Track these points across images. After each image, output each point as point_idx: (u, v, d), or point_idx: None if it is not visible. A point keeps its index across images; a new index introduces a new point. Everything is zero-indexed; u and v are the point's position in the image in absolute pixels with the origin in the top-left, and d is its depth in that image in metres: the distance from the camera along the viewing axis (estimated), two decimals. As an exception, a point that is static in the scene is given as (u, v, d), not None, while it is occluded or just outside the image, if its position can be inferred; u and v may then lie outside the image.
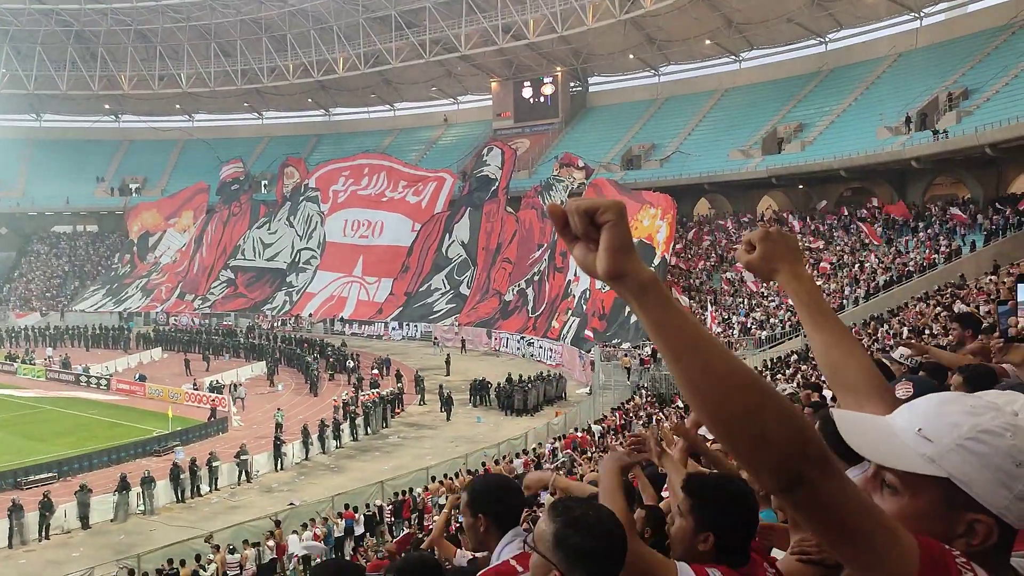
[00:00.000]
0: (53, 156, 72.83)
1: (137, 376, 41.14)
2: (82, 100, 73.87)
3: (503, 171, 57.44)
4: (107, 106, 76.66)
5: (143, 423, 33.11)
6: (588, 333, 41.76)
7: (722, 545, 2.37)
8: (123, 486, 23.44)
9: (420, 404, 36.83)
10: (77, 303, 66.06)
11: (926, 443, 1.34)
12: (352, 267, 60.36)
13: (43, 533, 21.98)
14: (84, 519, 22.74)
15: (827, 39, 55.28)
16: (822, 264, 38.60)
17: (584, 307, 43.86)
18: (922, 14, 49.80)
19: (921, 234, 36.82)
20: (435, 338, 51.27)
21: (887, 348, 22.47)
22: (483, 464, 24.79)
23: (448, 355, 44.32)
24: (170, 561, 17.79)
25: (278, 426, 30.25)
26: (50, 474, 26.15)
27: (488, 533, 2.75)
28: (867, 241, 38.66)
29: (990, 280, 28.13)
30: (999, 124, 33.12)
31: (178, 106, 76.99)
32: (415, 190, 60.90)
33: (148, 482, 24.01)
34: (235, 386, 37.61)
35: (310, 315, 58.69)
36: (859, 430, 1.40)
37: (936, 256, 33.98)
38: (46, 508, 21.95)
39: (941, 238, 35.63)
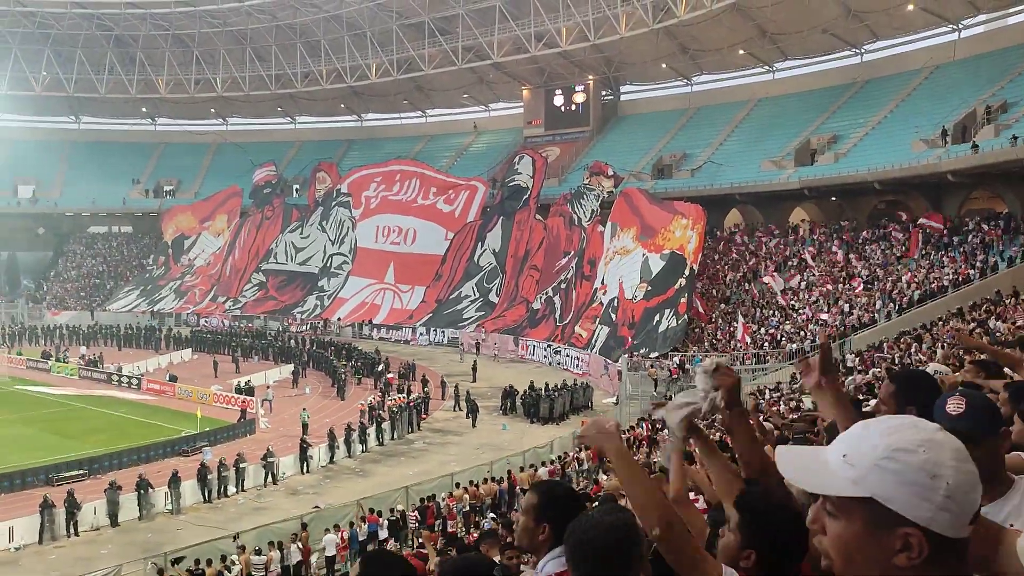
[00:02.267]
0: (90, 158, 74.04)
1: (168, 376, 41.63)
2: (120, 103, 75.16)
3: (535, 180, 57.47)
4: (144, 109, 77.92)
5: (173, 423, 33.51)
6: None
7: (764, 564, 2.36)
8: (142, 485, 23.67)
9: (456, 409, 36.56)
10: (111, 303, 67.04)
11: (849, 467, 1.45)
12: (383, 274, 60.64)
13: (72, 530, 22.28)
14: (113, 516, 23.03)
15: (862, 50, 54.71)
16: (855, 280, 38.16)
17: (613, 317, 43.69)
18: (960, 26, 49.11)
19: (962, 247, 36.23)
20: (461, 344, 51.29)
21: (917, 364, 22.11)
22: (508, 472, 24.78)
23: (475, 361, 44.36)
24: (197, 561, 17.95)
25: (304, 426, 30.80)
26: (81, 471, 26.53)
27: (545, 543, 2.73)
28: (900, 255, 38.10)
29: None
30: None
31: (212, 110, 78.00)
32: (446, 198, 61.04)
33: (175, 481, 24.25)
34: (251, 388, 37.90)
35: (339, 319, 59.04)
36: (794, 463, 1.55)
37: (971, 271, 33.44)
38: (72, 506, 22.25)
39: (977, 253, 35.06)
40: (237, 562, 18.48)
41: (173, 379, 40.69)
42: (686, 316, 40.19)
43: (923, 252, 37.66)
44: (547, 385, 36.45)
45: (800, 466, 1.54)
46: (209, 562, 17.92)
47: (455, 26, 63.79)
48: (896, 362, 26.24)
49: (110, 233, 76.53)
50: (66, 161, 74.32)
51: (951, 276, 33.79)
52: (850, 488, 1.44)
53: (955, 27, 49.22)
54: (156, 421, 34.33)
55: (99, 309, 65.77)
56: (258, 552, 18.87)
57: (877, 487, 1.42)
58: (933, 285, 33.72)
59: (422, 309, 57.79)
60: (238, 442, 30.90)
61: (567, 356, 45.27)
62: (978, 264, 33.76)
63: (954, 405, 2.72)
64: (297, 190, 70.50)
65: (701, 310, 41.79)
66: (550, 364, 45.73)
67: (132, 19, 68.51)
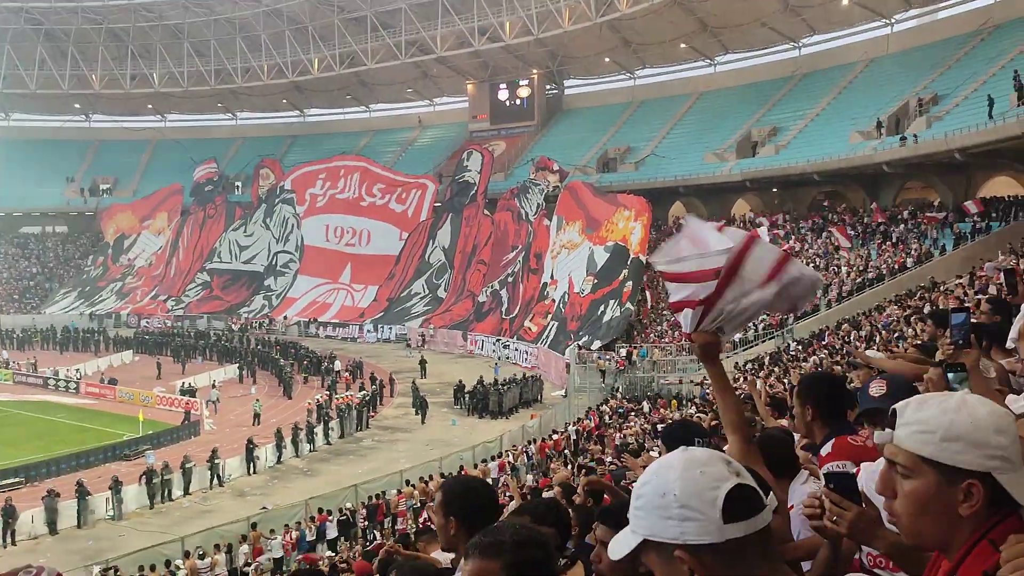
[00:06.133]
0: (22, 156, 71.67)
1: (107, 380, 40.52)
2: (51, 99, 72.88)
3: (481, 175, 57.44)
4: (77, 105, 75.67)
5: (113, 427, 32.68)
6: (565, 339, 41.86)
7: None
8: (82, 492, 23.07)
9: (417, 413, 35.08)
10: (48, 306, 65.10)
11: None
12: (339, 274, 60.05)
13: (8, 539, 21.61)
14: (52, 525, 22.38)
15: (801, 44, 55.79)
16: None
17: (563, 311, 43.92)
18: (893, 20, 50.42)
19: (893, 236, 37.24)
20: (408, 341, 51.13)
21: (849, 353, 22.64)
22: (461, 468, 24.74)
23: (423, 357, 44.12)
24: (140, 568, 17.56)
25: (256, 415, 31.42)
26: (17, 479, 25.75)
27: (458, 536, 2.71)
28: (838, 245, 38.99)
29: (958, 283, 28.47)
30: (967, 129, 33.57)
31: (150, 106, 76.15)
32: (398, 197, 60.61)
33: (116, 487, 23.64)
34: (195, 389, 37.26)
35: (284, 317, 58.27)
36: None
37: (907, 259, 34.38)
38: (8, 514, 21.58)
39: (911, 241, 36.06)
40: (182, 566, 18.15)
41: (113, 382, 39.64)
42: (629, 305, 40.60)
43: (859, 241, 38.58)
44: (496, 379, 36.45)
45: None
46: (153, 567, 17.56)
47: (398, 20, 63.33)
48: (839, 350, 26.87)
49: (44, 233, 74.27)
50: (-4, 159, 71.83)
51: (888, 264, 34.70)
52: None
53: (888, 21, 50.51)
54: (96, 425, 33.44)
55: (35, 312, 63.79)
56: (201, 557, 18.53)
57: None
58: (871, 274, 34.60)
59: (373, 308, 57.40)
60: (183, 444, 30.30)
61: (515, 350, 45.34)
62: (913, 252, 34.72)
63: (876, 388, 2.93)
64: (239, 187, 69.30)
65: (649, 304, 42.10)
66: (499, 359, 45.72)
67: (63, 13, 66.49)
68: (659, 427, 23.38)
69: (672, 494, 1.50)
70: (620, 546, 1.61)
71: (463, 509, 2.73)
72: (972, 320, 3.54)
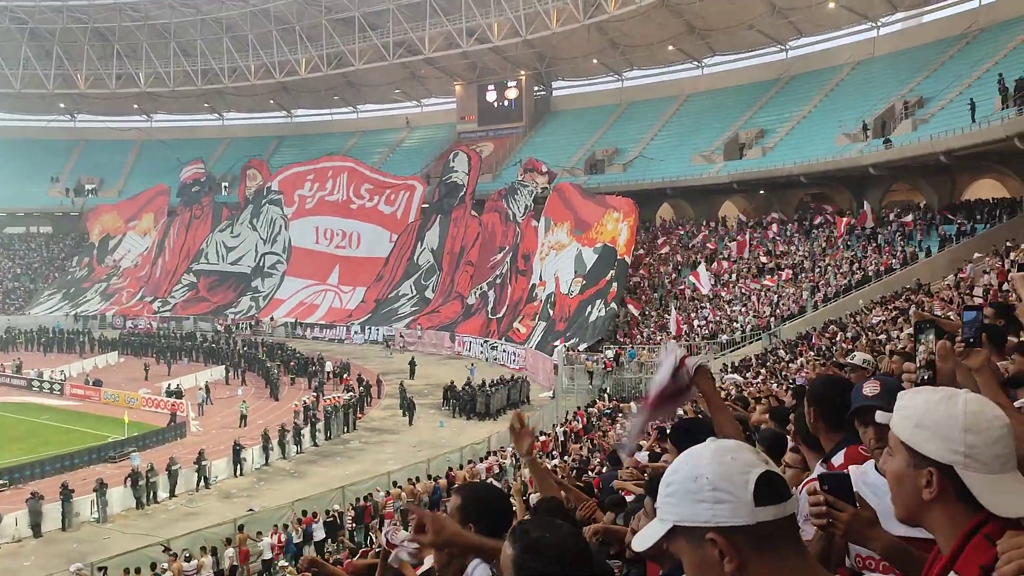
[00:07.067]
0: (6, 155, 71.10)
1: (92, 381, 40.23)
2: (36, 99, 72.32)
3: (470, 176, 57.40)
4: (62, 105, 75.15)
5: (98, 429, 32.46)
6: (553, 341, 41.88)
7: None
8: (66, 494, 22.89)
9: (404, 415, 35.05)
10: (32, 306, 64.61)
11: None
12: (327, 275, 59.92)
13: (-8, 542, 21.43)
14: (36, 527, 22.20)
15: (788, 47, 56.02)
16: (784, 272, 39.10)
17: (551, 312, 43.94)
18: (879, 24, 50.72)
19: (879, 238, 37.45)
20: (388, 343, 51.20)
21: (833, 355, 22.73)
22: (449, 469, 24.72)
23: (413, 358, 44.05)
24: (126, 571, 17.43)
25: (242, 417, 31.29)
26: (1, 481, 25.53)
27: None
28: (826, 245, 39.16)
29: (946, 285, 28.67)
30: (952, 132, 33.79)
31: (136, 106, 75.69)
32: (387, 198, 60.49)
33: (101, 489, 23.46)
34: (181, 391, 37.08)
35: (271, 319, 58.05)
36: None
37: (893, 261, 34.59)
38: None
39: (897, 244, 36.27)
40: (168, 568, 18.02)
41: (98, 384, 39.36)
42: (614, 305, 40.69)
43: (846, 243, 38.79)
44: (484, 381, 36.45)
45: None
46: (138, 570, 17.44)
47: (385, 21, 63.24)
48: (824, 351, 26.98)
49: (28, 234, 73.73)
50: (-21, 159, 71.22)
51: (874, 266, 34.90)
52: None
53: (874, 24, 50.81)
54: (81, 427, 33.22)
55: (18, 313, 63.31)
56: (188, 559, 18.42)
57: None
58: (857, 275, 34.79)
59: (361, 309, 57.29)
60: (168, 446, 30.13)
61: (503, 351, 45.32)
62: (899, 254, 34.93)
63: (870, 388, 3.01)
64: (226, 188, 68.97)
65: (635, 312, 42.01)
66: (486, 360, 45.71)
67: (47, 12, 66.05)
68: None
69: (704, 477, 1.54)
70: (647, 537, 1.64)
71: (482, 515, 2.70)
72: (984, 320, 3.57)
